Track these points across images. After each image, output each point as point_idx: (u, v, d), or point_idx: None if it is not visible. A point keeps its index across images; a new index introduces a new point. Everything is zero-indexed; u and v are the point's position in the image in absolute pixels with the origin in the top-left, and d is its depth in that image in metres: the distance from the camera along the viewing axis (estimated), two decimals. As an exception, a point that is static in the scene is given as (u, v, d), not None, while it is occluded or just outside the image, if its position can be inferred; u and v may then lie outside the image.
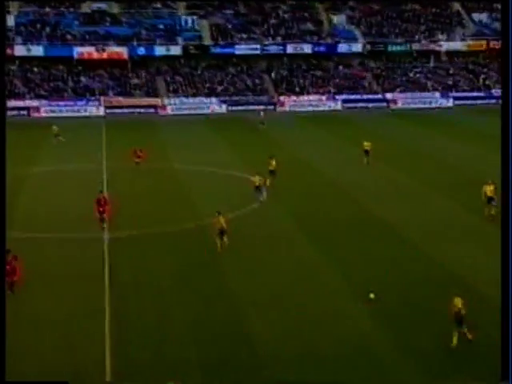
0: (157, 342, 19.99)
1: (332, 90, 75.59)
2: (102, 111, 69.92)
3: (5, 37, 17.20)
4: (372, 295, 22.04)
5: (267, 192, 35.07)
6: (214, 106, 72.43)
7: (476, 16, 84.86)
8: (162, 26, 78.45)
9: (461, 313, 19.07)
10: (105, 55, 74.52)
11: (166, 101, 72.25)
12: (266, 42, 78.02)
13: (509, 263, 14.46)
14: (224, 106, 72.28)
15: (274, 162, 37.69)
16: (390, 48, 80.00)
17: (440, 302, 22.04)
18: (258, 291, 23.70)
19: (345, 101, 74.02)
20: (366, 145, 43.74)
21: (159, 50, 75.83)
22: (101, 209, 30.01)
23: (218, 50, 77.27)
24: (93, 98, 71.27)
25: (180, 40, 76.90)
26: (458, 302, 19.18)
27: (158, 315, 21.84)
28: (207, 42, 77.64)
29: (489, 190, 31.14)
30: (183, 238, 29.39)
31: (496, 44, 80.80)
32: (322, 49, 78.86)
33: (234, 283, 24.50)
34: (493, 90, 77.29)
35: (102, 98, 71.18)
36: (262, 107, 70.59)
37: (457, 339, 19.08)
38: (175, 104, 72.06)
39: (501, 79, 19.37)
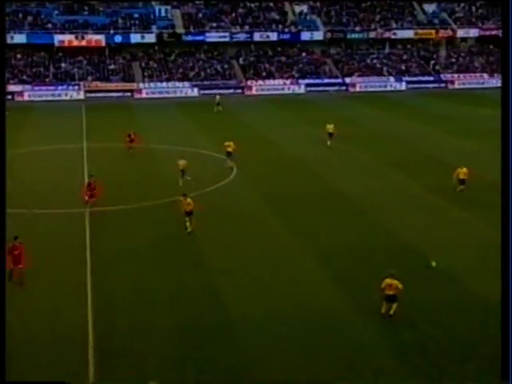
0: (135, 308, 19.78)
1: (296, 75, 75.34)
2: (82, 95, 68.78)
3: (5, 35, 16.76)
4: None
5: (235, 170, 34.76)
6: (187, 89, 71.70)
7: (426, 7, 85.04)
8: (137, 16, 77.17)
9: (386, 293, 18.72)
10: (84, 42, 73.24)
11: (142, 85, 71.33)
12: (235, 30, 77.27)
13: (509, 263, 14.33)
14: (196, 90, 71.60)
15: (232, 144, 37.03)
16: (348, 36, 79.87)
17: (395, 268, 22.18)
18: (229, 261, 23.58)
19: (307, 85, 73.82)
20: (329, 127, 43.20)
21: (135, 38, 74.68)
22: (89, 192, 28.97)
23: (189, 38, 76.36)
24: (73, 83, 70.09)
25: (154, 28, 75.78)
26: (386, 282, 18.78)
27: (136, 283, 21.60)
28: (180, 30, 76.57)
29: (462, 172, 31.15)
30: (159, 213, 29.04)
31: (444, 32, 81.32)
32: (286, 37, 78.41)
33: (207, 254, 24.33)
34: (441, 75, 77.77)
35: (82, 83, 70.04)
36: (231, 91, 70.95)
37: (386, 309, 18.91)
38: (150, 88, 71.20)
39: (501, 81, 18.95)
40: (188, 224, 26.16)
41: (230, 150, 36.76)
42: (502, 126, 16.22)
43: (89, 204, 29.06)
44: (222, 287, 21.37)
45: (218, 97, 61.58)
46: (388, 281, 18.79)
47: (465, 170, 31.27)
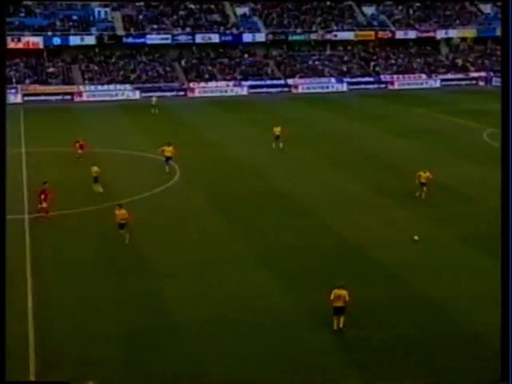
0: (78, 316, 19.46)
1: (238, 77, 75.45)
2: (19, 99, 67.11)
3: (5, 35, 16.10)
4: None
5: (178, 173, 34.54)
6: (128, 92, 70.87)
7: (365, 9, 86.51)
8: (75, 17, 75.86)
9: (335, 305, 18.29)
10: (20, 45, 71.43)
11: (82, 88, 70.13)
12: (176, 32, 76.84)
13: (509, 264, 14.55)
14: (137, 93, 70.79)
15: (171, 148, 36.38)
16: (290, 38, 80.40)
17: (338, 268, 22.54)
18: (173, 264, 23.42)
19: (250, 86, 74.00)
20: (276, 130, 42.85)
21: (74, 40, 73.33)
22: (44, 199, 28.25)
23: (130, 40, 75.49)
24: (10, 86, 68.18)
25: (94, 30, 74.59)
26: (335, 293, 18.28)
27: (79, 291, 21.22)
28: (120, 32, 75.58)
29: (423, 176, 30.78)
30: (100, 218, 28.56)
31: (383, 34, 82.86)
32: (228, 38, 78.44)
33: (150, 258, 24.12)
34: (381, 76, 79.15)
35: (20, 86, 68.40)
36: (173, 93, 70.73)
37: (337, 324, 18.41)
38: (91, 91, 70.04)
39: (501, 80, 18.80)
40: (125, 236, 25.34)
41: (168, 154, 36.22)
42: (502, 127, 16.16)
43: (42, 211, 28.33)
44: (166, 291, 21.23)
45: (154, 99, 61.25)
46: (337, 291, 18.34)
47: (427, 174, 30.75)
